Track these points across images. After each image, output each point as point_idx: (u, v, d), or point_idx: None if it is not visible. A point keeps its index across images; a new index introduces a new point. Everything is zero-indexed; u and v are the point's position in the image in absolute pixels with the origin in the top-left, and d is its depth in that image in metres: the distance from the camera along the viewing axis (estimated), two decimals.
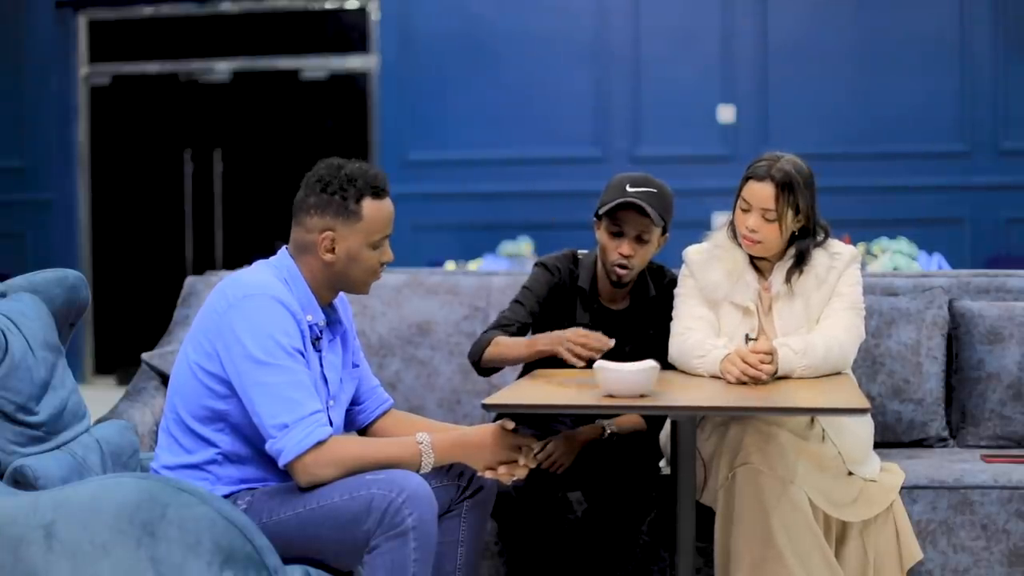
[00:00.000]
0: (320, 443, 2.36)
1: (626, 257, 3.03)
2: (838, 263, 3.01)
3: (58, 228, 8.30)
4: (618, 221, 3.03)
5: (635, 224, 3.01)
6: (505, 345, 3.02)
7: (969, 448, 3.44)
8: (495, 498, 2.68)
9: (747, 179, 2.98)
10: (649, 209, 2.99)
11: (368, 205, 2.49)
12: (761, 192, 2.94)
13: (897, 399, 3.48)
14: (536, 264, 3.22)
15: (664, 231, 3.08)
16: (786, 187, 2.92)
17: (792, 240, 3.00)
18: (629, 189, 3.03)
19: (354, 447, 2.41)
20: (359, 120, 8.15)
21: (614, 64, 7.75)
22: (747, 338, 2.92)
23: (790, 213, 2.93)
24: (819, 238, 3.02)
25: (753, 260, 3.05)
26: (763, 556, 2.72)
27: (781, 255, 3.02)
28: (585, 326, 3.13)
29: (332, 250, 2.49)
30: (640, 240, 3.03)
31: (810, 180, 2.97)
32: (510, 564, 3.12)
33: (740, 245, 3.03)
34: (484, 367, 3.07)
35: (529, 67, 7.81)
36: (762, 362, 2.77)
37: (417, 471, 2.41)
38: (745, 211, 2.97)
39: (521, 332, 3.10)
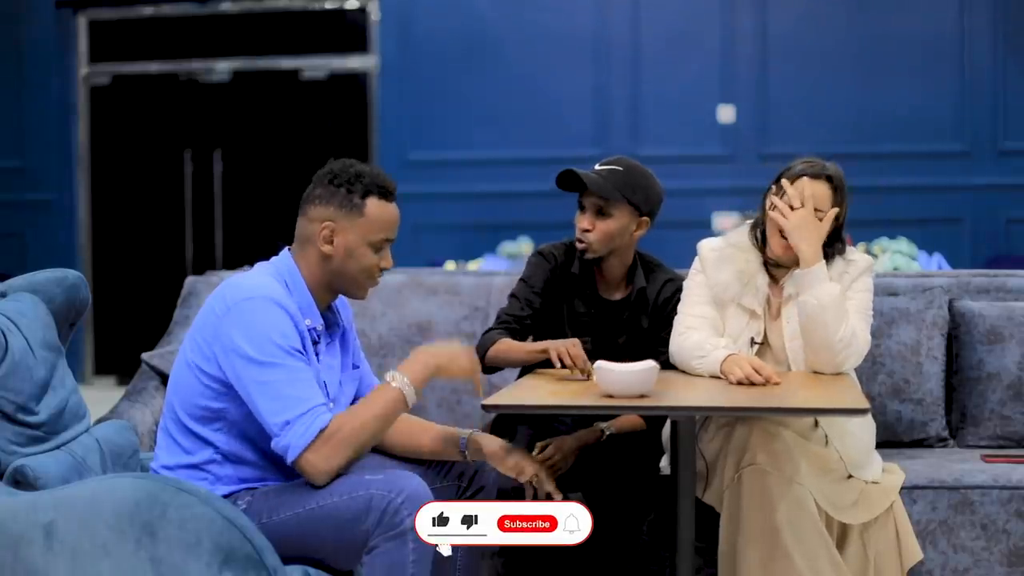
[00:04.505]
0: (322, 431, 2.35)
1: (584, 231, 3.08)
2: (852, 270, 3.00)
3: (58, 228, 8.29)
4: (582, 195, 3.11)
5: (591, 197, 3.08)
6: (506, 346, 3.06)
7: (969, 448, 3.44)
8: (495, 498, 2.68)
9: (795, 177, 2.95)
10: (588, 179, 3.04)
11: (372, 203, 2.51)
12: (818, 191, 2.93)
13: (897, 399, 3.48)
14: (533, 253, 3.25)
15: (641, 213, 3.09)
16: (839, 184, 2.95)
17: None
18: (596, 167, 3.12)
19: (350, 423, 2.39)
20: (359, 120, 8.14)
21: (614, 64, 7.75)
22: (752, 342, 2.92)
23: (832, 214, 2.92)
24: (840, 247, 3.01)
25: (767, 264, 3.03)
26: (770, 556, 2.72)
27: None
28: (582, 315, 3.14)
29: (331, 241, 2.50)
30: (601, 214, 3.07)
31: (844, 182, 2.99)
32: (510, 565, 3.12)
33: (759, 248, 3.01)
34: (488, 366, 3.10)
35: (529, 67, 7.80)
36: (768, 380, 2.74)
37: (408, 408, 2.44)
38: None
39: (522, 327, 3.13)
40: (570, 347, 2.90)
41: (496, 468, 2.65)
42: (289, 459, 2.37)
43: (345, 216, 2.50)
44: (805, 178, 2.94)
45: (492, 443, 2.66)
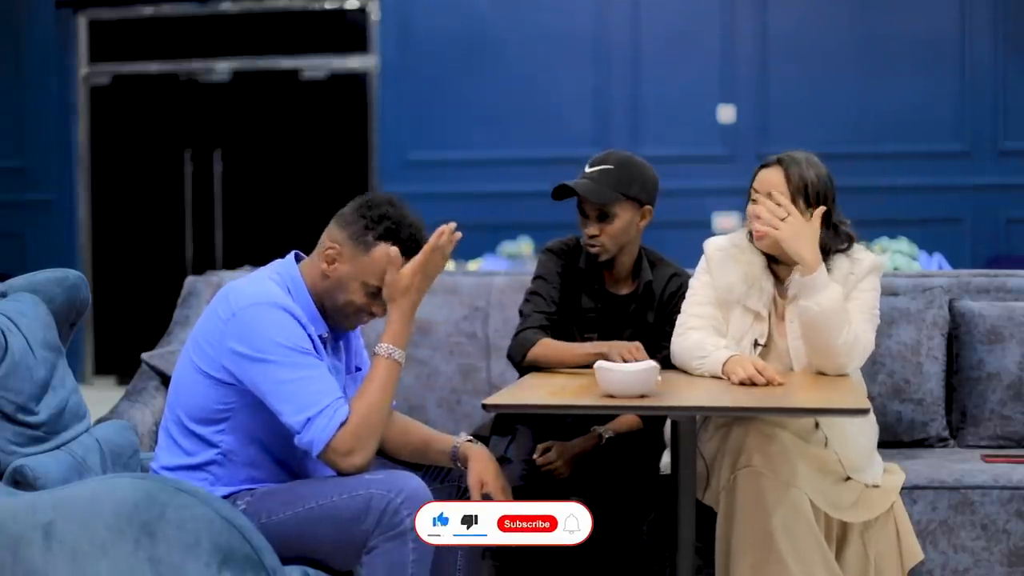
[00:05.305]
0: (343, 423, 2.36)
1: (592, 237, 3.07)
2: (858, 270, 2.96)
3: (58, 228, 8.29)
4: (580, 203, 3.08)
5: (590, 204, 3.06)
6: (552, 348, 3.01)
7: (969, 448, 3.44)
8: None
9: (756, 172, 2.97)
10: (582, 188, 3.01)
11: (382, 249, 2.48)
12: (769, 177, 2.92)
13: (897, 399, 3.48)
14: (543, 251, 3.23)
15: (642, 204, 3.08)
16: (793, 166, 2.90)
17: None
18: (586, 169, 3.09)
19: (362, 408, 2.40)
20: (359, 120, 8.14)
21: (614, 64, 7.74)
22: (755, 343, 2.90)
23: (801, 201, 2.89)
24: (843, 246, 2.97)
25: (771, 265, 3.01)
26: (764, 559, 2.71)
27: None
28: (590, 311, 3.13)
29: (332, 263, 2.50)
30: (603, 217, 3.05)
31: (823, 172, 2.95)
32: (510, 565, 3.11)
33: (758, 249, 2.98)
34: (526, 367, 3.06)
35: (529, 67, 7.80)
36: (770, 382, 2.73)
37: (401, 367, 2.46)
38: (755, 203, 2.92)
39: (551, 324, 3.09)
40: (633, 350, 2.86)
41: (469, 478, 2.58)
42: (315, 453, 2.37)
43: (352, 248, 2.49)
44: (760, 171, 2.95)
45: (478, 464, 2.59)
